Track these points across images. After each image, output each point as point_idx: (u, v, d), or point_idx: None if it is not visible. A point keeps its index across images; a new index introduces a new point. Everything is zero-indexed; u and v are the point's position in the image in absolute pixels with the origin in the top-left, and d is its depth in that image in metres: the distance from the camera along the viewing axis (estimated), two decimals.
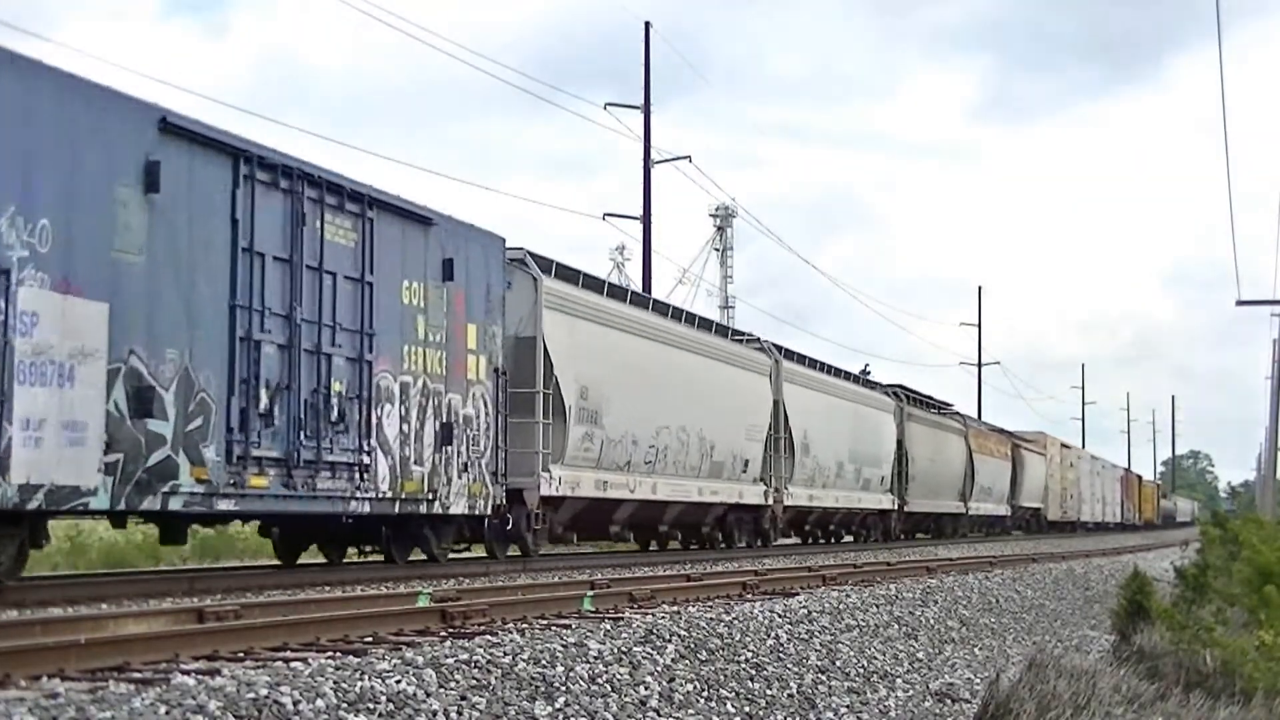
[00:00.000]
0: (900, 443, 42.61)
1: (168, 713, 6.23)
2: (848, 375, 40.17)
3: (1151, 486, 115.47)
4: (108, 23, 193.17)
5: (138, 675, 7.48)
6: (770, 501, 31.22)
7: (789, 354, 33.78)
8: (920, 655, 13.54)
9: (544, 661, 8.63)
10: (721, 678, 9.99)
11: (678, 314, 28.19)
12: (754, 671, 10.48)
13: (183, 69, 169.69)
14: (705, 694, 9.54)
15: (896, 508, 41.69)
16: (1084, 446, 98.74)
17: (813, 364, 36.08)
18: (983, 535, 52.31)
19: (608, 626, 10.45)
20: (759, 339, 32.61)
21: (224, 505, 14.11)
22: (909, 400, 44.79)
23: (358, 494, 16.24)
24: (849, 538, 40.64)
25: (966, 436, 51.09)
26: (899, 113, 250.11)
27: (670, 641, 10.18)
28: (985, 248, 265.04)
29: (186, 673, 7.47)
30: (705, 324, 29.86)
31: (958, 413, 51.88)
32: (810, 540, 38.25)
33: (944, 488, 47.75)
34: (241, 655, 8.56)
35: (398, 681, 7.45)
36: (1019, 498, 58.40)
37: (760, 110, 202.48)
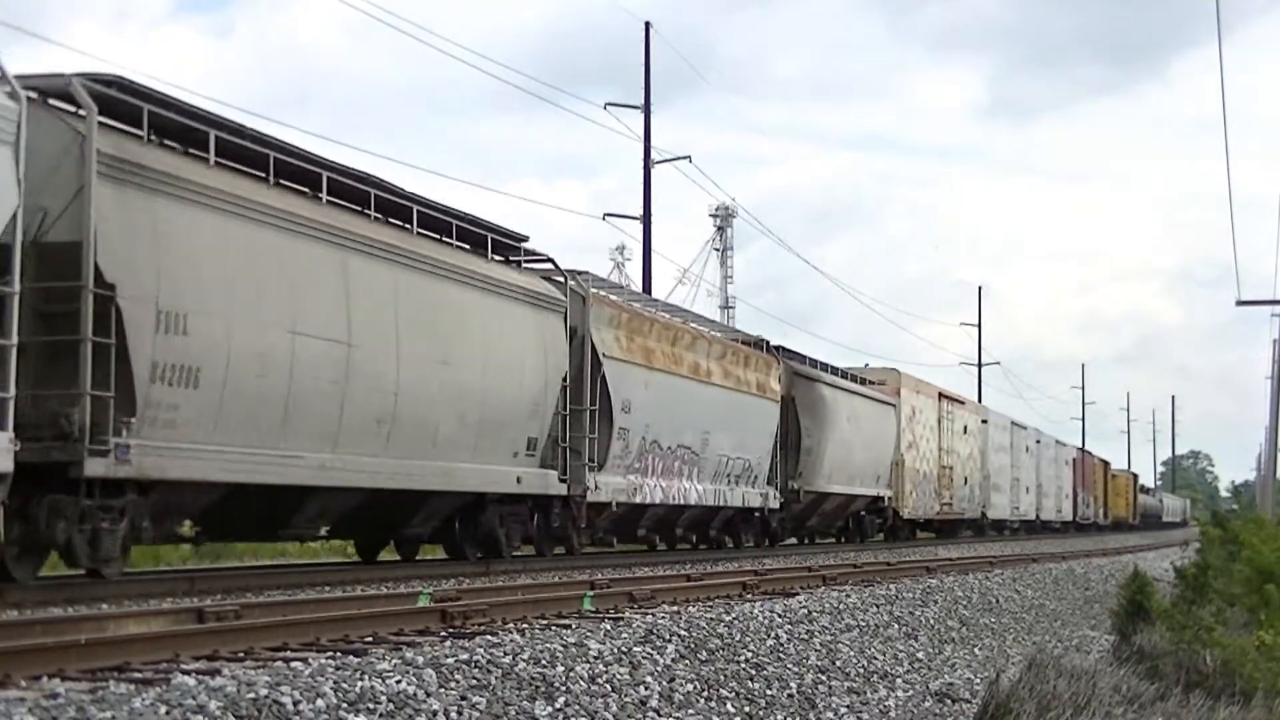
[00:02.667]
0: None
1: (168, 713, 6.23)
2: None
3: (1126, 477, 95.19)
4: (112, 23, 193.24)
5: (138, 675, 7.48)
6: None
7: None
8: (920, 655, 13.54)
9: (544, 661, 8.63)
10: (721, 678, 9.99)
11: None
12: (754, 671, 10.49)
13: (186, 70, 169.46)
14: (705, 694, 9.55)
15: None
16: (1084, 446, 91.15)
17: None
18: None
19: (608, 626, 10.46)
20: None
21: None
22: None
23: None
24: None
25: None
26: (901, 113, 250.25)
27: (670, 641, 10.18)
28: (986, 248, 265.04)
29: (186, 673, 7.46)
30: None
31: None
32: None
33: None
34: (241, 655, 8.56)
35: (398, 681, 7.45)
36: (811, 477, 33.06)
37: (762, 110, 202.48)
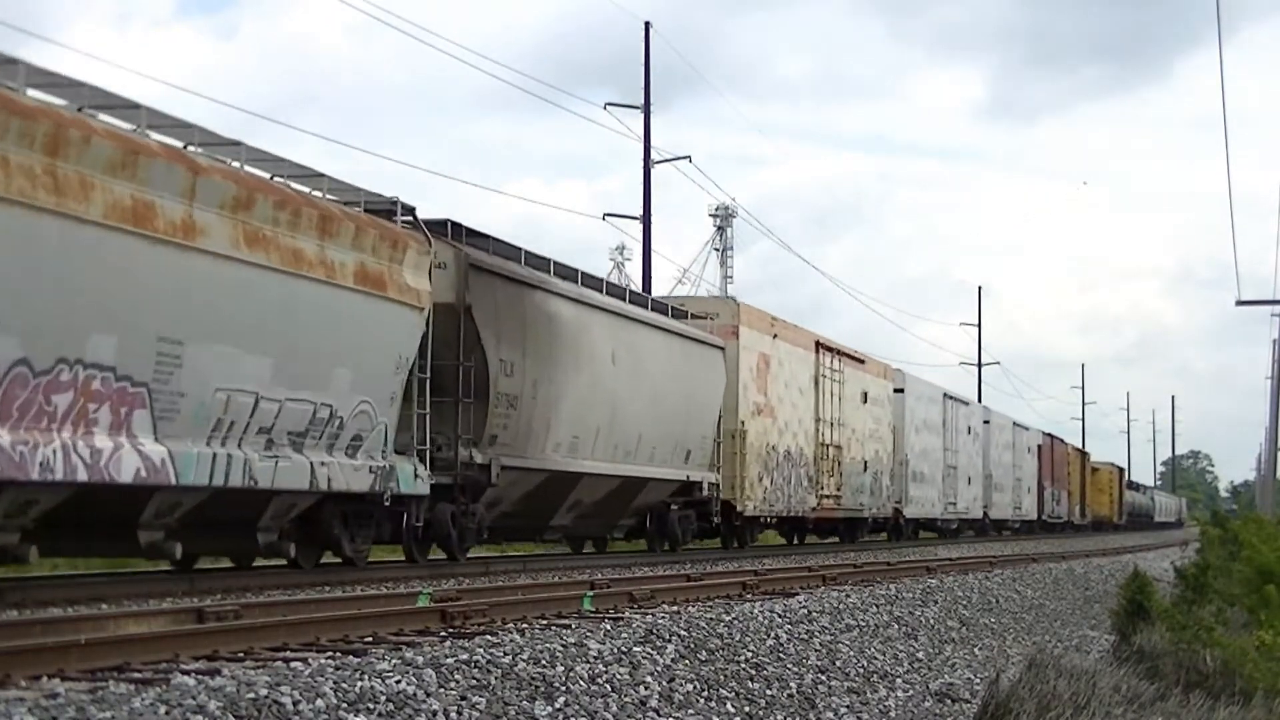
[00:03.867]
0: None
1: (168, 713, 6.23)
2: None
3: (1110, 471, 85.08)
4: (115, 24, 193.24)
5: (138, 675, 7.48)
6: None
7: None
8: (920, 655, 13.54)
9: (544, 661, 8.63)
10: (721, 678, 9.99)
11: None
12: (754, 671, 10.48)
13: (189, 70, 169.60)
14: (705, 694, 9.54)
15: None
16: (1084, 447, 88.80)
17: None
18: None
19: (608, 626, 10.46)
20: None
21: None
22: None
23: None
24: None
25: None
26: (903, 113, 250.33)
27: (670, 641, 10.18)
28: (986, 248, 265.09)
29: (186, 673, 7.47)
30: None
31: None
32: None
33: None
34: (241, 655, 8.56)
35: (398, 681, 7.45)
36: (522, 443, 20.50)
37: (765, 110, 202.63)
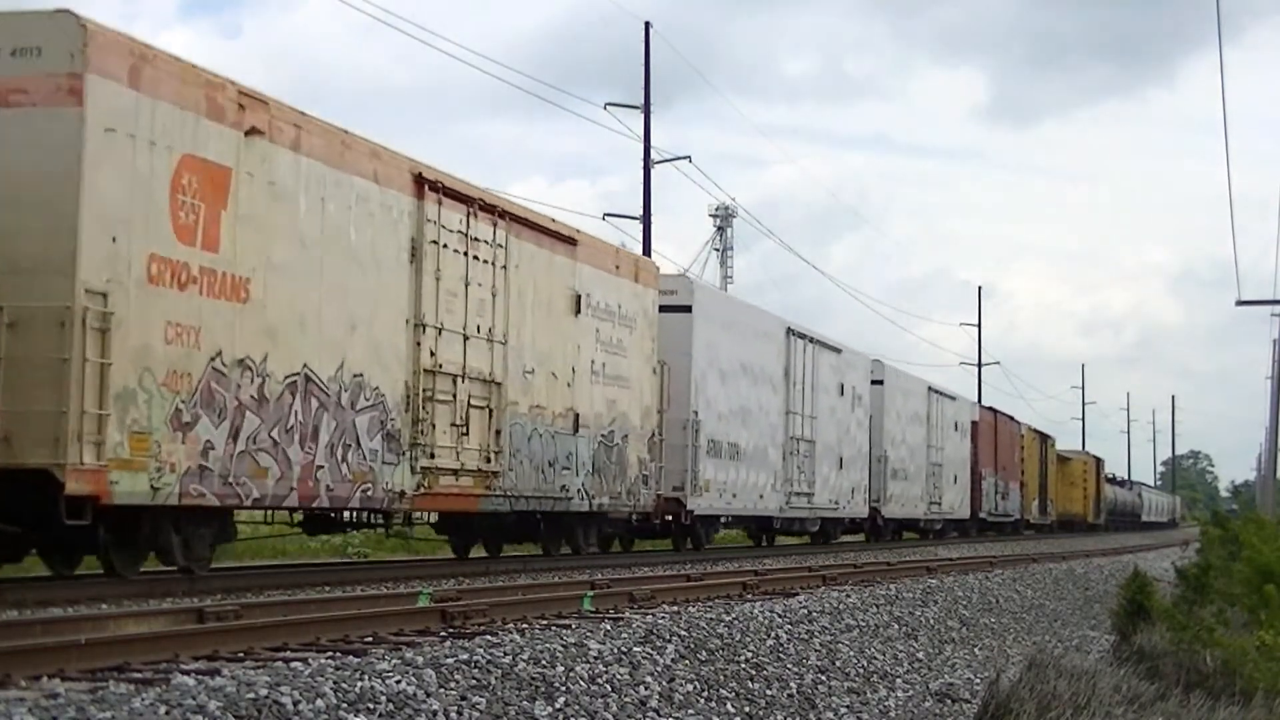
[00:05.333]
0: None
1: (168, 713, 6.23)
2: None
3: (1084, 461, 72.38)
4: (118, 25, 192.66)
5: (138, 675, 7.48)
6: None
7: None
8: (920, 655, 13.54)
9: (544, 661, 8.63)
10: (721, 678, 9.99)
11: None
12: (754, 671, 10.48)
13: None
14: (705, 694, 9.54)
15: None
16: (1084, 447, 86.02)
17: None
18: None
19: (608, 626, 10.46)
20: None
21: None
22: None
23: None
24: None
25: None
26: (905, 114, 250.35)
27: (670, 641, 10.18)
28: (988, 248, 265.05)
29: (186, 673, 7.47)
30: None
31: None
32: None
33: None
34: (241, 655, 8.57)
35: (398, 681, 7.45)
36: None
37: (767, 110, 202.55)
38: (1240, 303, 46.94)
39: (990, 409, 53.16)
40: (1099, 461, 77.31)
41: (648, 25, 38.83)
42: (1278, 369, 49.25)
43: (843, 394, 34.19)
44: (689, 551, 26.47)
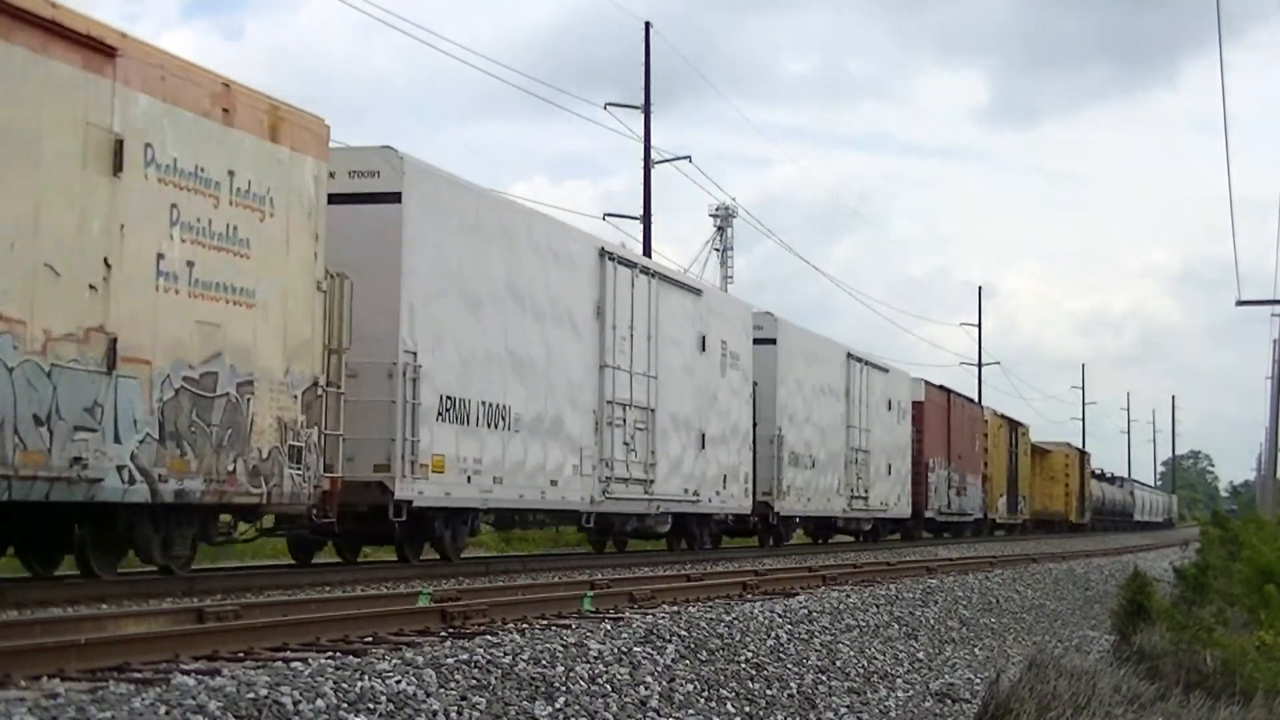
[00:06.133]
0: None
1: (168, 713, 6.23)
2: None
3: (1066, 455, 65.40)
4: (121, 25, 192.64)
5: (138, 675, 7.48)
6: None
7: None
8: (920, 655, 13.54)
9: (544, 661, 8.63)
10: (721, 678, 9.99)
11: None
12: (754, 671, 10.48)
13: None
14: (705, 694, 9.55)
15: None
16: (1084, 447, 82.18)
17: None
18: None
19: (608, 626, 10.46)
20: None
21: None
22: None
23: None
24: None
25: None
26: (906, 114, 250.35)
27: (670, 641, 10.18)
28: (988, 248, 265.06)
29: (186, 673, 7.47)
30: None
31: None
32: None
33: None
34: (241, 655, 8.56)
35: (398, 681, 7.45)
36: None
37: (769, 111, 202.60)
38: (1240, 303, 46.97)
39: (942, 388, 44.84)
40: (1083, 454, 71.65)
41: (648, 25, 38.87)
42: (1278, 369, 49.25)
43: (704, 350, 26.10)
44: (684, 551, 26.18)
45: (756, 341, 29.13)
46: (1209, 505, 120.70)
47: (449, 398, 18.24)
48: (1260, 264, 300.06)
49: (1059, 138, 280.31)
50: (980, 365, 77.26)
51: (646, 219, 38.73)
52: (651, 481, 23.80)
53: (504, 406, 19.51)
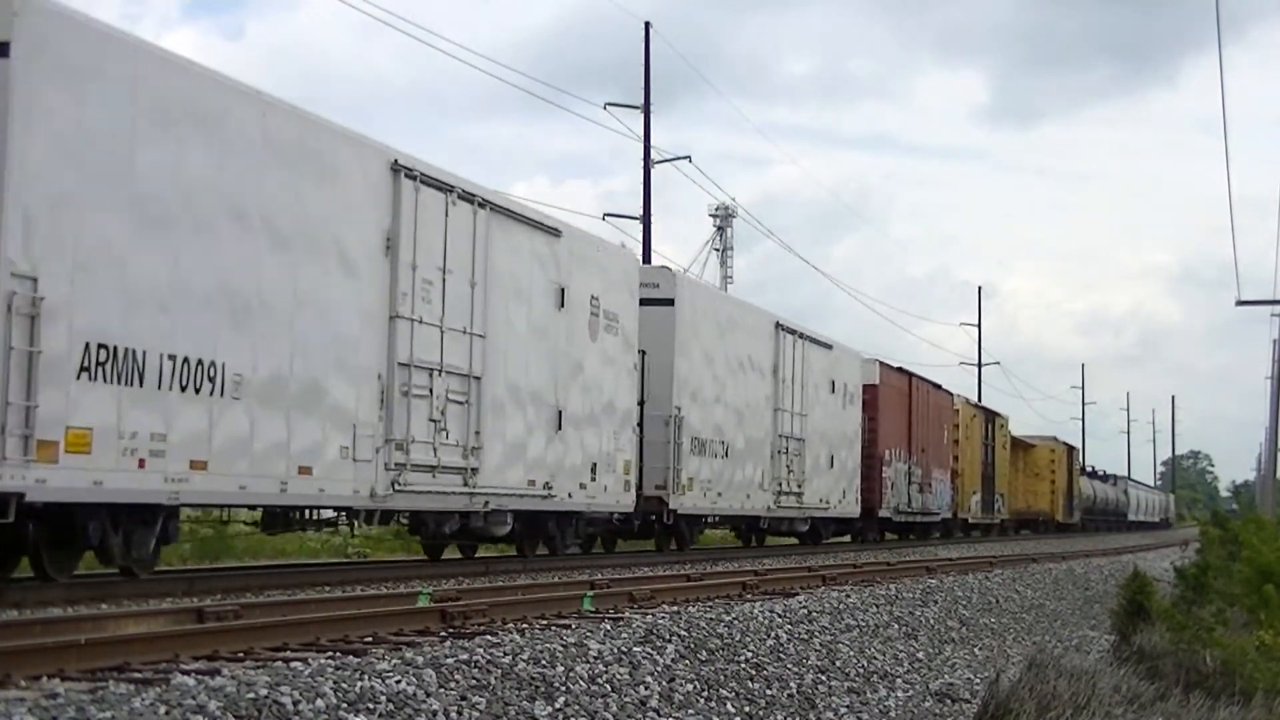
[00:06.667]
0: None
1: (168, 713, 6.23)
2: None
3: (1053, 449, 61.28)
4: (123, 26, 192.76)
5: (138, 675, 7.48)
6: None
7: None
8: (920, 655, 13.55)
9: (544, 661, 8.63)
10: (721, 678, 9.99)
11: None
12: (754, 671, 10.49)
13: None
14: (705, 694, 9.55)
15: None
16: (1083, 448, 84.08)
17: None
18: None
19: (608, 626, 10.46)
20: None
21: None
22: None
23: None
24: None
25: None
26: (907, 114, 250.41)
27: (670, 641, 10.18)
28: (988, 248, 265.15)
29: (186, 673, 7.47)
30: None
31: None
32: None
33: None
34: (241, 655, 8.57)
35: (398, 681, 7.45)
36: None
37: (769, 111, 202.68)
38: (1240, 303, 46.93)
39: (901, 370, 39.19)
40: (1070, 449, 65.71)
41: (648, 25, 38.84)
42: (1278, 369, 49.25)
43: (563, 306, 20.72)
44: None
45: (647, 302, 23.68)
46: (1209, 505, 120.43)
47: (103, 346, 12.65)
48: (1260, 264, 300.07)
49: (1059, 138, 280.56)
50: (980, 365, 77.30)
51: (646, 219, 38.73)
52: (475, 470, 18.24)
53: (212, 364, 13.96)
